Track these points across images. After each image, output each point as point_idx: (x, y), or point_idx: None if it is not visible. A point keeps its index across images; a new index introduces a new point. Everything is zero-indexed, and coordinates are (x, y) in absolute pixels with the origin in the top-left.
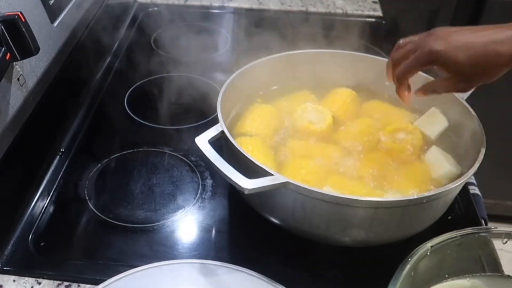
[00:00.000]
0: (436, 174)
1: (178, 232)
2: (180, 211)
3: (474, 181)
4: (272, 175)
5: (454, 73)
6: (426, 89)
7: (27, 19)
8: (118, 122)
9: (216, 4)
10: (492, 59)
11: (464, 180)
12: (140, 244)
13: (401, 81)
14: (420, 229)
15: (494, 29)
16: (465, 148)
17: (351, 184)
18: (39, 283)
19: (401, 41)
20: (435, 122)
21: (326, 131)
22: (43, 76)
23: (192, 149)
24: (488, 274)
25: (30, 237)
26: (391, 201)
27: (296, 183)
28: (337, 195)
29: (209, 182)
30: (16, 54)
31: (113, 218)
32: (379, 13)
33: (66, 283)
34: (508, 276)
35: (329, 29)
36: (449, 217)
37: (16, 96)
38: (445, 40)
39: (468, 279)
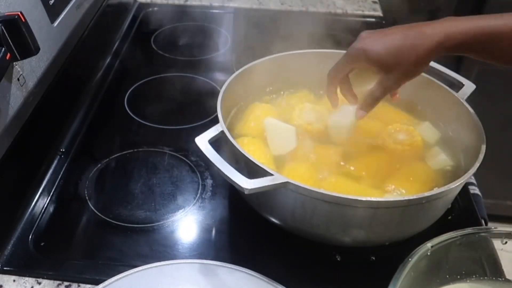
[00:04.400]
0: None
1: (178, 232)
2: (180, 211)
3: (474, 181)
4: (272, 175)
5: (378, 68)
6: (368, 102)
7: (27, 19)
8: (118, 122)
9: (216, 4)
10: (410, 47)
11: (464, 180)
12: (140, 244)
13: (330, 80)
14: (420, 229)
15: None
16: (465, 148)
17: (350, 184)
18: (39, 283)
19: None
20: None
21: (323, 131)
22: (43, 76)
23: (192, 149)
24: (486, 278)
25: (30, 237)
26: (391, 201)
27: (296, 183)
28: (337, 195)
29: (209, 182)
30: (16, 54)
31: (113, 218)
32: (379, 13)
33: (66, 283)
34: (507, 280)
35: (329, 29)
36: (449, 217)
37: (16, 96)
38: (368, 38)
39: (468, 281)
